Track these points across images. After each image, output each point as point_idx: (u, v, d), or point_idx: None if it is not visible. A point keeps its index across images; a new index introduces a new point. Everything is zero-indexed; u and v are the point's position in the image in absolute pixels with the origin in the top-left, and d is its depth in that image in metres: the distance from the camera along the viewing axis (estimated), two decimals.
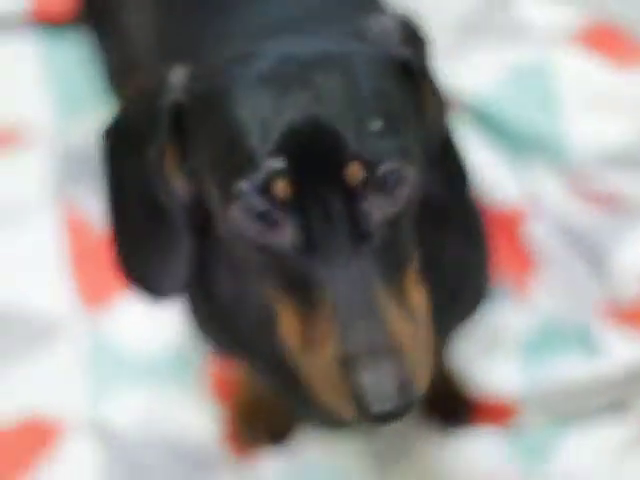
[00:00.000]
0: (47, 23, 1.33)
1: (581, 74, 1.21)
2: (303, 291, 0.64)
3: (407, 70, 0.68)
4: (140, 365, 1.10)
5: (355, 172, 0.62)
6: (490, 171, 1.15)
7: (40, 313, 1.13)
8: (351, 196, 0.62)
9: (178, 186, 0.70)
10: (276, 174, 0.61)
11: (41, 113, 1.27)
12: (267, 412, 1.05)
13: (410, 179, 0.64)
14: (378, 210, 0.63)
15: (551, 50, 1.22)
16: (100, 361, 1.11)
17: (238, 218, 0.63)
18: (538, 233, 1.13)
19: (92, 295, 1.14)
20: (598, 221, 1.13)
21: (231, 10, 0.93)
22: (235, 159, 0.63)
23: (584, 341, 1.08)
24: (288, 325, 0.66)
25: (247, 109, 0.63)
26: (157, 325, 1.12)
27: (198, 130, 0.66)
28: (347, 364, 0.61)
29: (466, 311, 0.89)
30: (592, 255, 1.11)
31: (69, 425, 1.07)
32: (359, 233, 0.63)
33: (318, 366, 0.64)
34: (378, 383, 0.60)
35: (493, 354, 1.08)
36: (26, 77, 1.30)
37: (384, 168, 0.62)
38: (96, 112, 1.24)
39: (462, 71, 1.21)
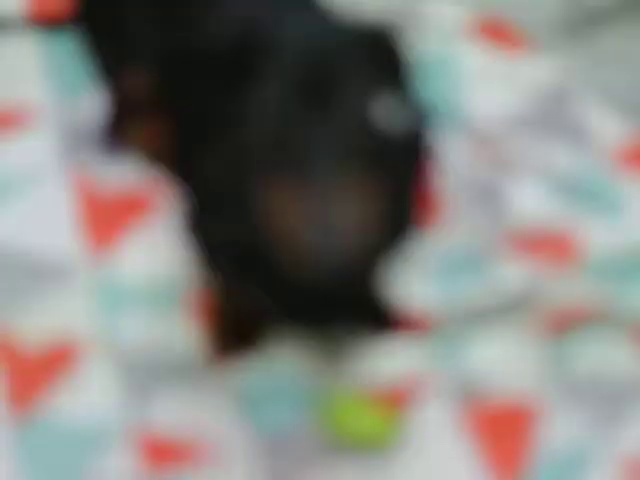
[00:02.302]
0: (45, 24, 1.46)
1: (478, 59, 1.51)
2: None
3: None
4: (140, 296, 1.24)
5: None
6: None
7: (55, 257, 1.27)
8: None
9: None
10: None
11: (42, 99, 1.41)
12: (244, 325, 1.19)
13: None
14: None
15: (452, 42, 1.53)
16: (106, 294, 1.24)
17: None
18: (446, 185, 1.34)
19: (98, 241, 1.29)
20: (495, 173, 1.37)
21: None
22: None
23: (485, 265, 1.27)
24: (274, 212, 0.90)
25: None
26: (152, 263, 1.27)
27: None
28: (308, 236, 0.86)
29: (396, 240, 1.05)
30: (491, 201, 1.34)
31: (84, 346, 1.19)
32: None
33: (291, 237, 0.88)
34: (324, 245, 0.85)
35: (413, 278, 1.25)
36: (26, 70, 1.45)
37: None
38: (90, 96, 1.40)
39: None
